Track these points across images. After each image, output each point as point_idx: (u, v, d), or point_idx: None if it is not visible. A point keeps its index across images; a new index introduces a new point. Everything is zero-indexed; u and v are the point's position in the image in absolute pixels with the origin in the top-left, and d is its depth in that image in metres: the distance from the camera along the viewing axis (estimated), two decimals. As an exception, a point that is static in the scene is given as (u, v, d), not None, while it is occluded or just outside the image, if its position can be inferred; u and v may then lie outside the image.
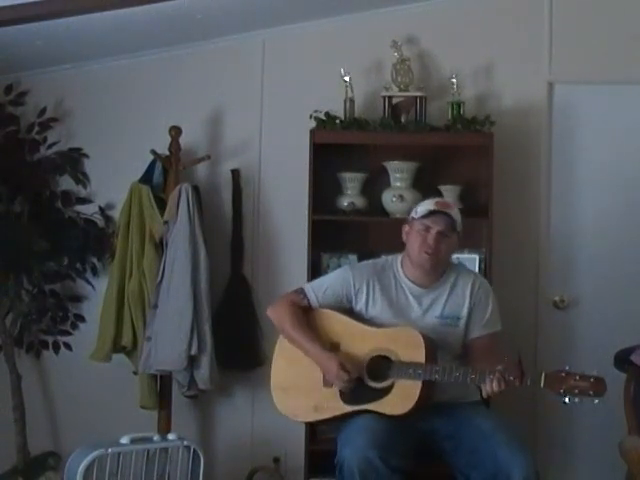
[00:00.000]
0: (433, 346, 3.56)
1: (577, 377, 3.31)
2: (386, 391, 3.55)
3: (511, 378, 3.36)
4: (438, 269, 3.72)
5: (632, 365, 4.04)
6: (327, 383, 3.65)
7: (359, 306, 3.74)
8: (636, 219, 4.55)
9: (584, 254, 4.59)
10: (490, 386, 3.39)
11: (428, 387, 3.51)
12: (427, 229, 3.64)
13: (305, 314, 3.75)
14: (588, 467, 4.57)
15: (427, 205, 3.70)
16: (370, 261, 3.93)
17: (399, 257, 3.79)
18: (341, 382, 3.57)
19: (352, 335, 3.67)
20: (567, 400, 3.30)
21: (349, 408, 3.59)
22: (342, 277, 3.79)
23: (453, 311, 3.69)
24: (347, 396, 3.60)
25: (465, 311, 3.70)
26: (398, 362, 3.55)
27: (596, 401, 3.29)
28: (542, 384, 3.34)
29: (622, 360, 4.08)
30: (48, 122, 4.62)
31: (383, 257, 3.93)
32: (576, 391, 3.29)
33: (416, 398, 3.49)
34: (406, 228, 3.75)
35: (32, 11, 3.72)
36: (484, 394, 3.46)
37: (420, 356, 3.52)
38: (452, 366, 3.50)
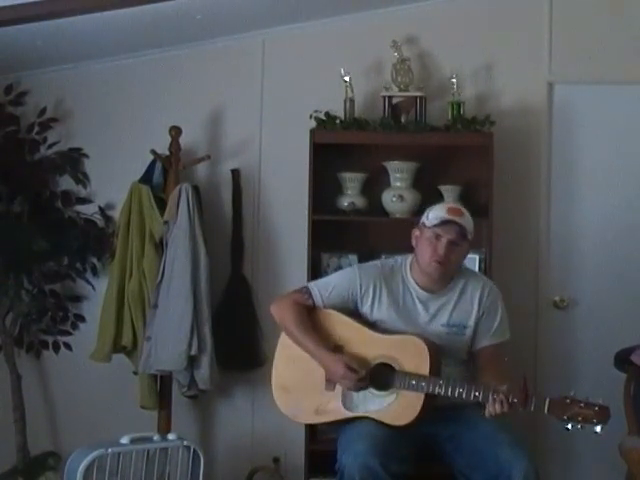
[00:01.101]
0: (438, 357, 3.52)
1: (582, 404, 3.27)
2: (388, 400, 3.51)
3: (515, 401, 3.32)
4: (447, 277, 3.65)
5: (632, 365, 4.05)
6: (329, 386, 3.61)
7: (364, 308, 3.67)
8: (636, 219, 4.55)
9: (584, 254, 4.59)
10: (493, 407, 3.34)
11: (431, 399, 3.47)
12: (437, 237, 3.56)
13: (309, 314, 3.70)
14: (588, 467, 4.57)
15: (439, 212, 3.59)
16: (378, 262, 3.87)
17: (408, 259, 3.71)
18: (349, 382, 3.52)
19: (356, 340, 3.61)
20: (570, 427, 3.28)
21: (350, 414, 3.56)
22: (349, 278, 3.72)
23: (460, 319, 3.64)
24: (348, 402, 3.57)
25: (473, 320, 3.64)
26: (402, 372, 3.51)
27: (598, 429, 3.26)
28: (546, 410, 3.31)
29: (622, 360, 4.08)
30: (48, 122, 4.62)
31: (392, 258, 3.83)
32: (580, 418, 3.26)
33: (418, 410, 3.46)
34: (416, 232, 3.67)
35: (32, 11, 3.72)
36: (487, 413, 3.38)
37: (424, 368, 3.48)
38: (456, 381, 3.44)
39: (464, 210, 3.66)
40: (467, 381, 3.51)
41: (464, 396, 3.41)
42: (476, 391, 3.40)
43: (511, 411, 3.34)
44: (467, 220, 3.61)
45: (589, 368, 4.49)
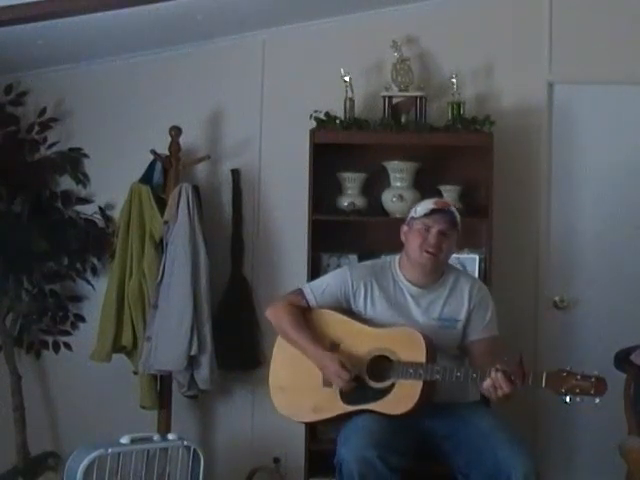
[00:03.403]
0: (433, 346, 3.55)
1: (578, 377, 3.29)
2: (386, 391, 3.54)
3: (512, 378, 3.34)
4: (438, 269, 3.70)
5: (632, 365, 4.05)
6: (327, 383, 3.63)
7: (358, 306, 3.72)
8: (636, 219, 4.55)
9: (584, 254, 4.59)
10: (493, 389, 3.34)
11: (429, 387, 3.50)
12: (428, 228, 3.63)
13: (304, 314, 3.74)
14: (588, 467, 4.56)
15: (427, 204, 3.68)
16: (369, 262, 3.92)
17: (397, 257, 3.78)
18: (342, 381, 3.55)
19: (352, 335, 3.66)
20: (568, 400, 3.30)
21: (349, 408, 3.58)
22: (340, 277, 3.77)
23: (451, 313, 3.68)
24: (347, 396, 3.59)
25: (464, 314, 3.68)
26: (398, 362, 3.54)
27: (597, 400, 3.28)
28: (544, 384, 3.32)
29: (622, 360, 4.08)
30: (48, 122, 4.63)
31: (382, 258, 3.93)
32: (577, 390, 3.28)
33: (417, 398, 3.48)
34: (404, 228, 3.73)
35: (32, 11, 3.72)
36: (485, 391, 3.41)
37: (421, 356, 3.51)
38: (453, 366, 3.49)
39: (450, 203, 3.78)
40: (464, 366, 3.55)
41: (462, 379, 3.44)
42: (473, 373, 3.44)
43: (510, 389, 3.33)
44: (454, 211, 3.69)
45: (589, 368, 4.45)
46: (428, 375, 3.47)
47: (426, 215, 3.64)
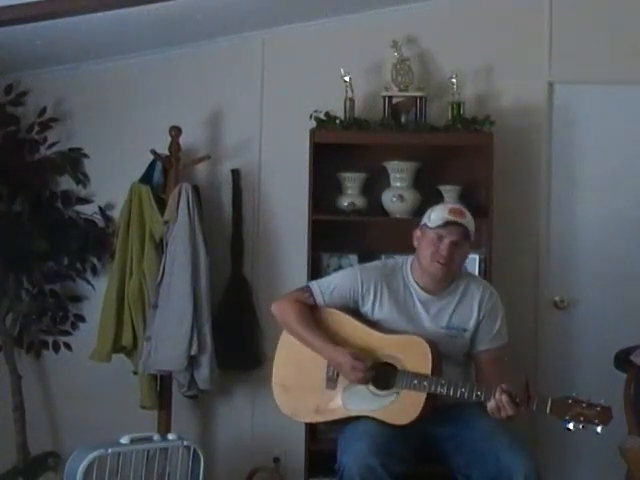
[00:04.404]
0: (439, 357, 3.52)
1: (584, 405, 3.27)
2: (389, 399, 3.52)
3: (517, 401, 3.32)
4: (449, 278, 3.66)
5: (632, 365, 4.05)
6: (330, 385, 3.61)
7: (365, 308, 3.68)
8: (636, 219, 4.55)
9: (584, 254, 4.59)
10: (496, 409, 3.34)
11: (432, 399, 3.47)
12: (440, 238, 3.56)
13: (311, 312, 3.70)
14: (588, 467, 4.57)
15: (442, 213, 3.59)
16: (379, 262, 3.89)
17: (409, 260, 3.71)
18: (358, 372, 3.51)
19: (358, 339, 3.61)
20: (571, 427, 3.28)
21: (351, 413, 3.56)
22: (350, 278, 3.72)
23: (460, 322, 3.64)
24: (349, 400, 3.57)
25: (472, 323, 3.64)
26: (404, 371, 3.51)
27: (599, 429, 3.25)
28: (548, 410, 3.30)
29: (622, 360, 4.08)
30: (48, 122, 4.62)
31: (393, 259, 3.86)
32: (581, 419, 3.26)
33: (420, 409, 3.46)
34: (417, 233, 3.67)
35: (32, 11, 3.72)
36: (488, 409, 3.39)
37: (426, 367, 3.48)
38: (458, 381, 3.45)
39: (465, 210, 3.67)
40: (469, 381, 3.52)
41: (466, 396, 3.41)
42: (478, 390, 3.41)
43: (515, 412, 3.33)
44: (469, 220, 3.62)
45: (589, 368, 4.49)
46: (432, 388, 3.44)
47: (440, 226, 3.58)
